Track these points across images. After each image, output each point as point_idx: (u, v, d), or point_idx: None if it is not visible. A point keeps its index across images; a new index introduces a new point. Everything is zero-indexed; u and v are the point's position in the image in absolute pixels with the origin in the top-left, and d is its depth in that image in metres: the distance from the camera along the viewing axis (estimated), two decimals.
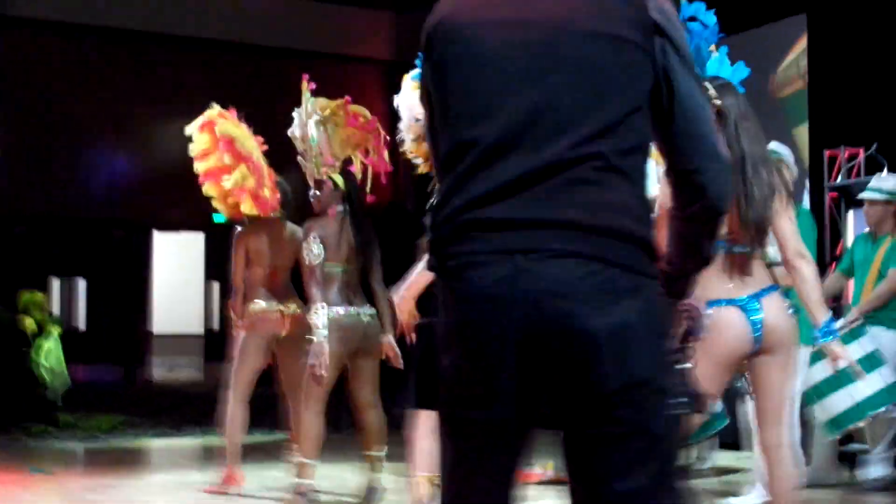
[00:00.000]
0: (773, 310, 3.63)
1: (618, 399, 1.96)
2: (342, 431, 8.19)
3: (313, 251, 5.54)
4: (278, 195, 6.26)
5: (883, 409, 5.60)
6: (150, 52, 14.67)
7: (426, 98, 2.17)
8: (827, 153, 8.38)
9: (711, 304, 3.56)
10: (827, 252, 8.27)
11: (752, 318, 3.60)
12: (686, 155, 2.07)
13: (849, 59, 9.01)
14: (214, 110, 6.24)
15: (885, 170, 7.44)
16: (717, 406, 6.24)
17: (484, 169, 2.00)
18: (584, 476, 2.02)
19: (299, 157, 5.75)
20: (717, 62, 3.85)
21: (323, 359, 5.48)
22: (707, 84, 3.66)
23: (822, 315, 3.77)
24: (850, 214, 7.77)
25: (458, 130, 2.05)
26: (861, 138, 8.09)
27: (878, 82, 8.68)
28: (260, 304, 6.20)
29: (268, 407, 7.03)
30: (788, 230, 3.74)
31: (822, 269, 8.13)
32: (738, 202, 3.58)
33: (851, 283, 6.57)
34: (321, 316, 5.49)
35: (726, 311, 3.60)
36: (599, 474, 1.99)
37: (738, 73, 3.87)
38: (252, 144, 6.22)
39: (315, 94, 5.76)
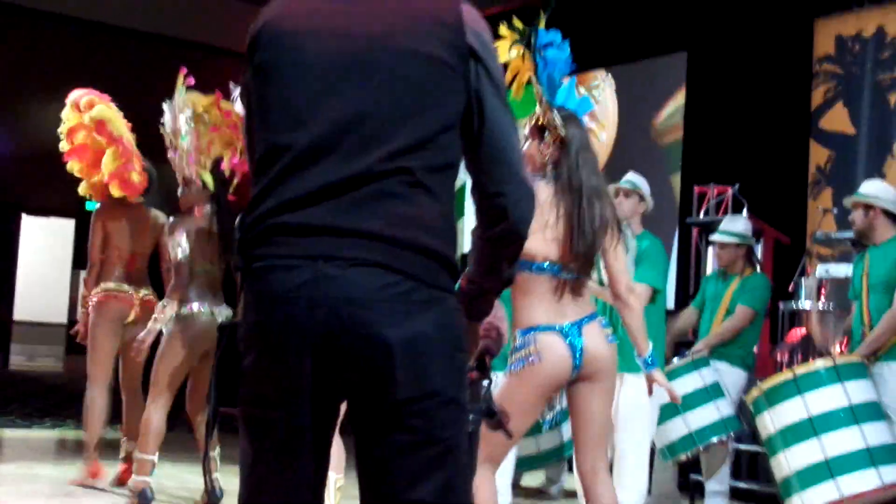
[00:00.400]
0: (594, 337, 3.70)
1: (409, 408, 2.01)
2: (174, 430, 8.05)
3: (181, 247, 5.50)
4: (145, 180, 6.21)
5: (715, 439, 5.77)
6: (27, 29, 14.29)
7: (246, 100, 2.20)
8: (696, 189, 8.61)
9: (535, 329, 3.66)
10: (691, 285, 8.50)
11: (572, 344, 3.66)
12: (492, 178, 2.13)
13: (725, 98, 9.30)
14: (86, 94, 6.18)
15: (745, 209, 7.69)
16: (568, 431, 6.38)
17: (294, 175, 2.04)
18: (374, 483, 2.06)
19: (169, 153, 5.68)
20: (566, 93, 3.94)
21: (146, 343, 5.60)
22: (555, 113, 3.78)
23: (646, 346, 3.94)
24: (710, 250, 7.99)
25: (273, 135, 2.08)
26: (731, 177, 8.34)
27: (751, 123, 8.97)
28: (111, 283, 6.15)
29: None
30: (619, 266, 3.88)
31: (685, 300, 8.38)
32: (571, 231, 3.67)
33: None
34: (168, 310, 5.56)
35: (549, 336, 3.66)
36: (388, 482, 2.03)
37: (583, 106, 3.97)
38: (122, 126, 6.18)
39: (193, 87, 5.70)
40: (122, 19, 14.20)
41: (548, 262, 3.68)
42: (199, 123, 5.56)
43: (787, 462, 4.83)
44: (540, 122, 3.81)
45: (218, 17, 13.20)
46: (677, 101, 9.99)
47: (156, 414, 5.53)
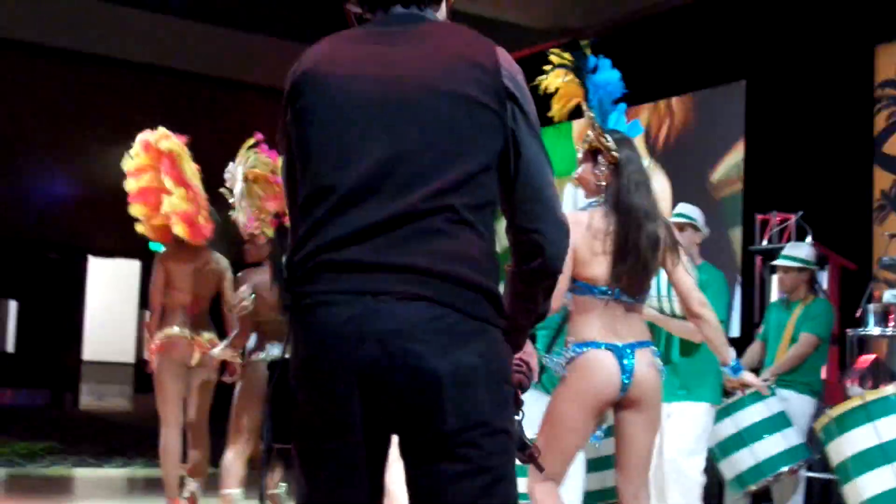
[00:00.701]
0: (645, 363, 3.72)
1: (458, 438, 2.06)
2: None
3: (245, 301, 5.57)
4: (211, 225, 6.26)
5: (784, 469, 5.70)
6: (93, 74, 14.58)
7: (286, 143, 2.27)
8: (759, 217, 8.55)
9: (587, 345, 3.69)
10: (755, 314, 8.42)
11: (623, 364, 3.68)
12: (528, 215, 2.20)
13: (786, 125, 9.23)
14: (160, 131, 6.24)
15: (810, 237, 7.62)
16: None
17: (340, 214, 2.10)
18: None
19: (232, 210, 5.73)
20: (616, 117, 3.97)
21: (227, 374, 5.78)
22: (608, 136, 3.81)
23: (728, 354, 4.00)
24: (774, 278, 7.92)
25: (318, 176, 2.15)
26: (793, 204, 8.27)
27: (812, 150, 8.89)
28: (174, 329, 6.20)
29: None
30: (687, 282, 3.91)
31: (750, 329, 8.30)
32: (621, 252, 3.70)
33: None
34: (227, 353, 5.71)
35: (600, 353, 3.69)
36: None
37: (633, 130, 4.00)
38: (193, 170, 6.23)
39: (253, 127, 5.75)
40: (182, 63, 14.45)
41: (607, 286, 3.71)
42: (259, 183, 5.60)
43: (860, 490, 4.77)
44: (593, 146, 3.84)
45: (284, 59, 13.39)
46: (736, 154, 9.88)
47: (230, 452, 5.58)
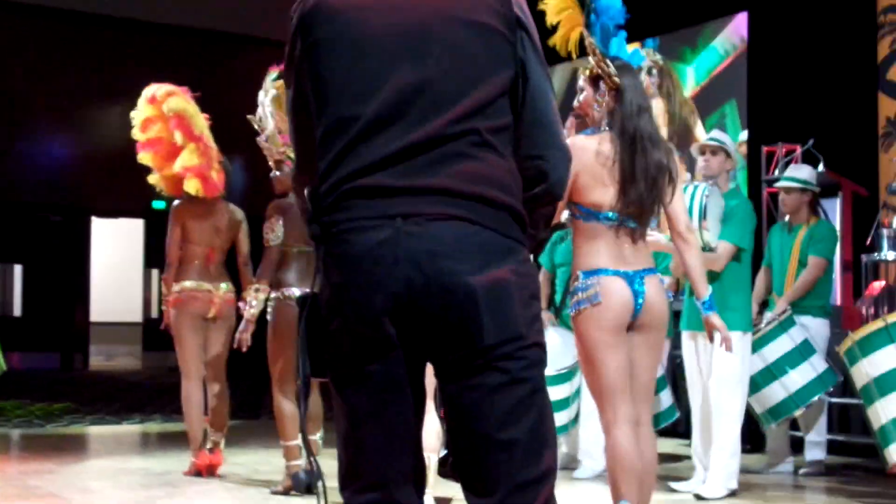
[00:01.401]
0: (653, 289, 3.75)
1: (497, 351, 2.09)
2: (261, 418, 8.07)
3: (274, 232, 5.53)
4: (223, 177, 6.25)
5: (815, 399, 5.77)
6: (92, 33, 14.49)
7: (293, 79, 2.26)
8: (765, 149, 8.54)
9: (599, 272, 3.70)
10: (763, 246, 8.44)
11: (635, 290, 3.71)
12: (533, 142, 2.24)
13: (788, 56, 9.20)
14: (165, 87, 6.21)
15: (821, 164, 7.61)
16: (667, 399, 6.36)
17: (365, 142, 2.12)
18: (467, 425, 2.14)
19: (258, 138, 5.72)
20: (618, 43, 3.95)
21: (246, 334, 5.61)
22: (609, 63, 3.79)
23: (705, 288, 3.93)
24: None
25: (339, 107, 2.16)
26: (798, 135, 8.26)
27: (816, 80, 8.87)
28: (191, 282, 6.20)
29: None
30: (677, 207, 3.87)
31: (757, 260, 8.33)
32: (629, 178, 3.70)
33: None
34: (260, 294, 5.56)
35: (613, 280, 3.70)
36: (482, 423, 2.11)
37: (634, 58, 3.98)
38: (202, 123, 6.20)
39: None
40: (176, 18, 14.35)
41: (612, 212, 3.71)
42: (280, 106, 5.58)
43: (883, 411, 4.81)
44: (594, 73, 3.82)
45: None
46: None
47: (286, 403, 5.57)
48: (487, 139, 2.14)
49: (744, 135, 9.74)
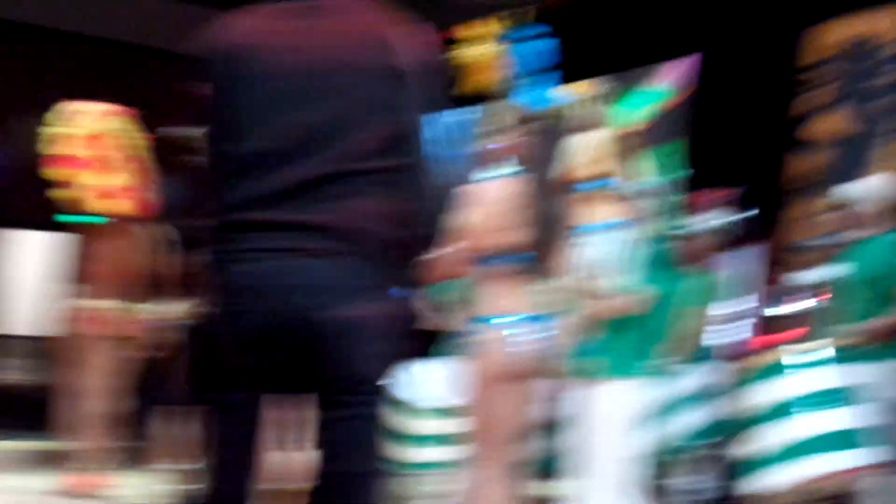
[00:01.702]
0: (547, 335, 3.88)
1: (345, 386, 2.25)
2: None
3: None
4: (158, 198, 6.18)
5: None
6: (6, 40, 14.19)
7: (199, 108, 2.40)
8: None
9: (493, 318, 3.79)
10: None
11: (515, 336, 3.77)
12: (412, 184, 2.37)
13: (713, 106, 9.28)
14: (100, 107, 6.13)
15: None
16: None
17: (253, 178, 2.30)
18: (321, 454, 2.31)
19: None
20: (540, 87, 4.05)
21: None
22: (523, 108, 4.02)
23: None
24: None
25: (232, 142, 2.33)
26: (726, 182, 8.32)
27: (742, 133, 8.97)
28: (106, 302, 6.07)
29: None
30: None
31: None
32: (532, 222, 3.77)
33: None
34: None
35: (495, 329, 3.79)
36: (324, 452, 2.29)
37: (553, 101, 4.07)
38: (141, 144, 6.15)
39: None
40: (91, 28, 14.15)
41: (516, 256, 3.77)
42: None
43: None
44: (510, 118, 3.88)
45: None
46: None
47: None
48: (371, 179, 2.29)
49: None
